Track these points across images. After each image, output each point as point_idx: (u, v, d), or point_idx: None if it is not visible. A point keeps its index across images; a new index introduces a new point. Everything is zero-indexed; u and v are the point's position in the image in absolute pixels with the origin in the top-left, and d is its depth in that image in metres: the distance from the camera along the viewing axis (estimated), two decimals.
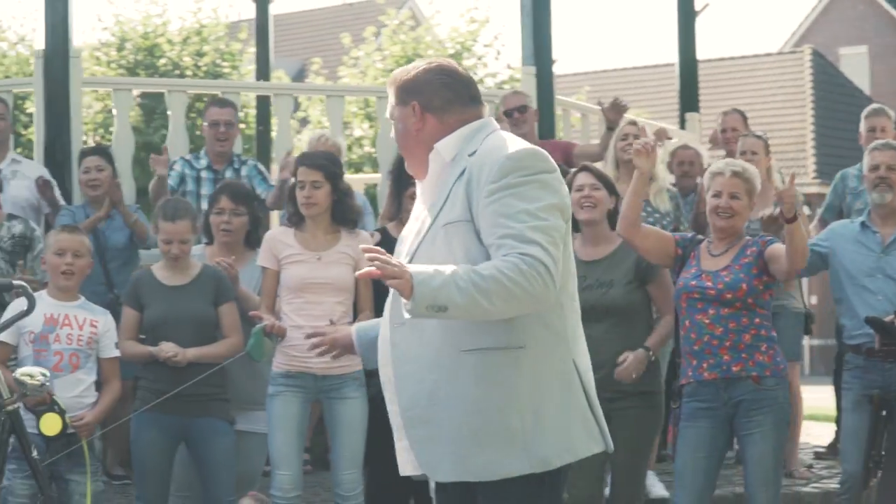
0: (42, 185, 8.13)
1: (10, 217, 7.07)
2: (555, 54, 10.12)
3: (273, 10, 13.42)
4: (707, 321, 5.95)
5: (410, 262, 3.79)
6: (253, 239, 6.93)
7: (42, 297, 6.14)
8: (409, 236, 3.99)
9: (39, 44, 9.32)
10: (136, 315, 6.50)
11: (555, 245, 3.69)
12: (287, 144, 9.53)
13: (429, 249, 3.83)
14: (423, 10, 29.92)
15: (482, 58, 22.62)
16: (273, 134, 11.56)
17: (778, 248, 6.00)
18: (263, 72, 13.97)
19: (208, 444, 6.39)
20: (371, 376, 6.23)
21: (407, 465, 3.93)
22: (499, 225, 3.70)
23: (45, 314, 6.06)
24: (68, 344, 6.11)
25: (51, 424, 5.69)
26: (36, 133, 9.07)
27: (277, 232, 6.66)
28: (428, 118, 3.94)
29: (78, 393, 6.11)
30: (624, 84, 32.31)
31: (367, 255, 3.59)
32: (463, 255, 3.75)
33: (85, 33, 25.79)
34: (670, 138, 9.95)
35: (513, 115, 8.74)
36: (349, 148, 19.53)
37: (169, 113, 9.65)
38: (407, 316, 3.63)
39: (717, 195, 6.09)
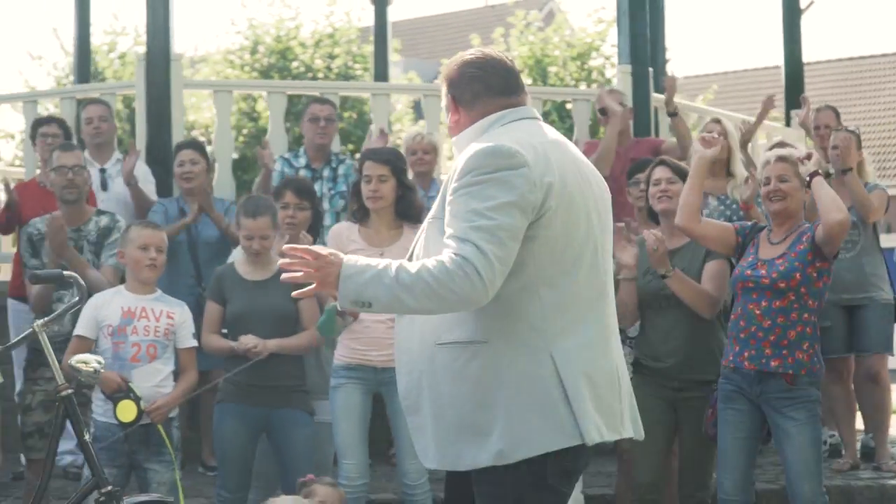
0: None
1: (99, 212, 7.34)
2: (672, 54, 10.19)
3: (410, 13, 13.68)
4: (758, 312, 6.02)
5: (410, 256, 3.94)
6: (313, 232, 7.12)
7: (120, 291, 6.40)
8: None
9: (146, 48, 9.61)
10: (219, 309, 6.69)
11: (498, 244, 3.69)
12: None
13: (419, 244, 3.98)
14: (563, 10, 29.98)
15: (610, 58, 22.53)
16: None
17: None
18: (382, 73, 14.25)
19: (289, 435, 6.53)
20: None
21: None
22: (448, 224, 3.78)
23: (122, 307, 6.26)
24: (145, 335, 6.25)
25: (126, 411, 5.93)
26: (138, 134, 9.38)
27: (343, 227, 6.83)
28: (461, 111, 4.05)
29: (156, 382, 6.24)
30: (753, 84, 31.99)
31: (286, 255, 3.70)
32: (433, 251, 3.84)
33: (219, 37, 26.32)
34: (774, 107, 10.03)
35: (606, 113, 9.05)
36: None
37: (268, 114, 9.92)
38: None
39: (767, 181, 6.19)
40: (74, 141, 8.54)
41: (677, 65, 66.98)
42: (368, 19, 17.62)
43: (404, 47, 27.30)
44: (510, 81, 4.06)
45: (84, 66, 12.79)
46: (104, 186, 8.50)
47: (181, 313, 6.46)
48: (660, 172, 6.64)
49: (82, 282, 5.57)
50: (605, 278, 4.04)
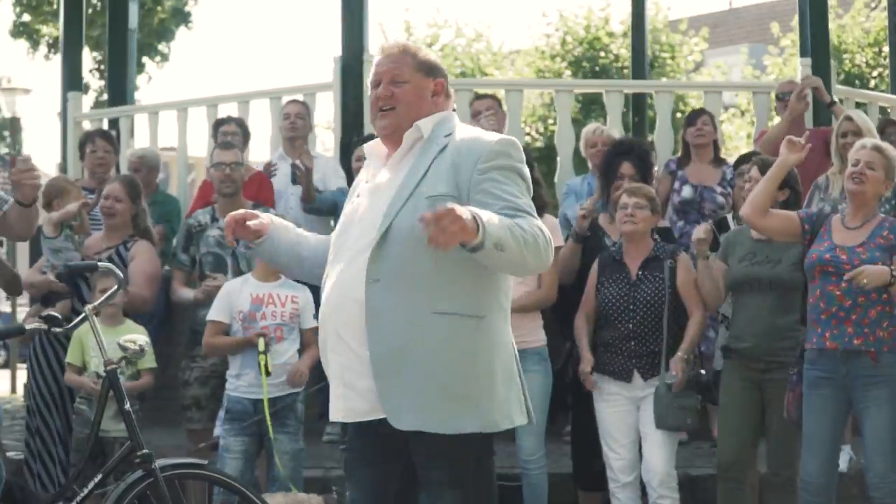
0: (298, 171, 8.75)
1: (255, 205, 7.85)
2: None
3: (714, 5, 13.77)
4: (838, 293, 6.07)
5: (389, 226, 4.11)
6: None
7: (248, 279, 6.88)
8: (378, 198, 4.20)
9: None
10: None
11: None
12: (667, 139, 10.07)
13: (409, 217, 4.04)
14: None
15: None
16: None
17: None
18: (640, 69, 14.41)
19: None
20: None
21: (340, 411, 4.21)
22: (509, 196, 4.06)
23: (251, 294, 6.74)
24: (273, 320, 6.71)
25: (264, 364, 6.48)
26: (334, 133, 9.93)
27: None
28: (443, 99, 4.33)
29: (285, 360, 6.70)
30: None
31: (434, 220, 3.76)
32: None
33: (531, 28, 26.90)
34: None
35: (783, 99, 9.29)
36: None
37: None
38: (473, 251, 3.83)
39: (856, 163, 6.24)
40: (251, 140, 9.19)
41: None
42: (678, 10, 17.74)
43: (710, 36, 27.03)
44: None
45: None
46: (294, 180, 9.05)
47: (304, 297, 6.85)
48: (753, 171, 6.82)
49: (119, 273, 6.14)
50: None
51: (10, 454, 8.11)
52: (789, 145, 6.32)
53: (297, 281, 6.40)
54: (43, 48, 21.46)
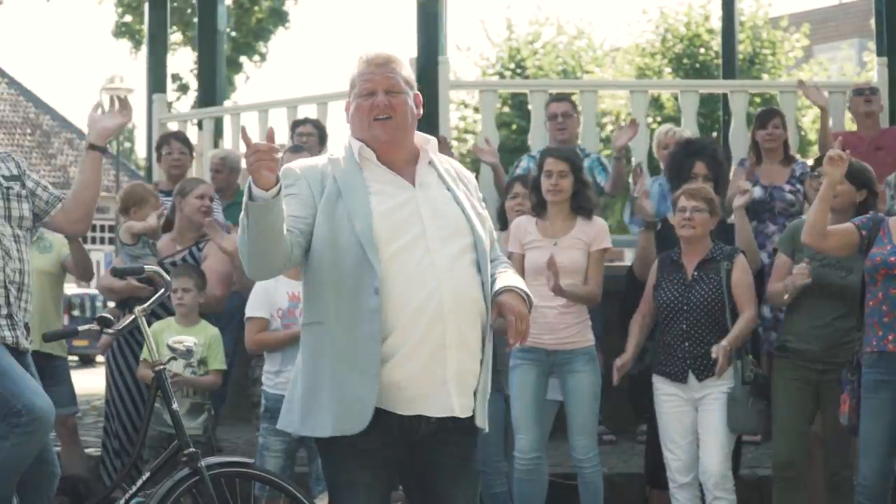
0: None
1: None
2: None
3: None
4: None
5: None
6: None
7: (279, 278, 6.70)
8: (434, 204, 4.36)
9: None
10: None
11: None
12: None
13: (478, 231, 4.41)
14: None
15: None
16: None
17: None
18: (730, 68, 14.28)
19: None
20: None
21: (453, 408, 4.30)
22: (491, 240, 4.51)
23: (288, 293, 6.82)
24: None
25: None
26: None
27: (523, 220, 7.22)
28: (418, 111, 4.45)
29: None
30: None
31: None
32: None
33: (631, 25, 26.87)
34: None
35: (863, 94, 9.26)
36: None
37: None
38: None
39: None
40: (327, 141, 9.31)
41: None
42: (782, 7, 17.59)
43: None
44: None
45: None
46: None
47: None
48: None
49: (166, 276, 6.27)
50: None
51: (88, 450, 8.33)
52: (831, 162, 6.24)
53: None
54: (145, 48, 21.83)
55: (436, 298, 4.19)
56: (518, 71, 25.71)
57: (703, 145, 7.66)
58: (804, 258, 6.57)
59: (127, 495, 5.64)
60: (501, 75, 25.82)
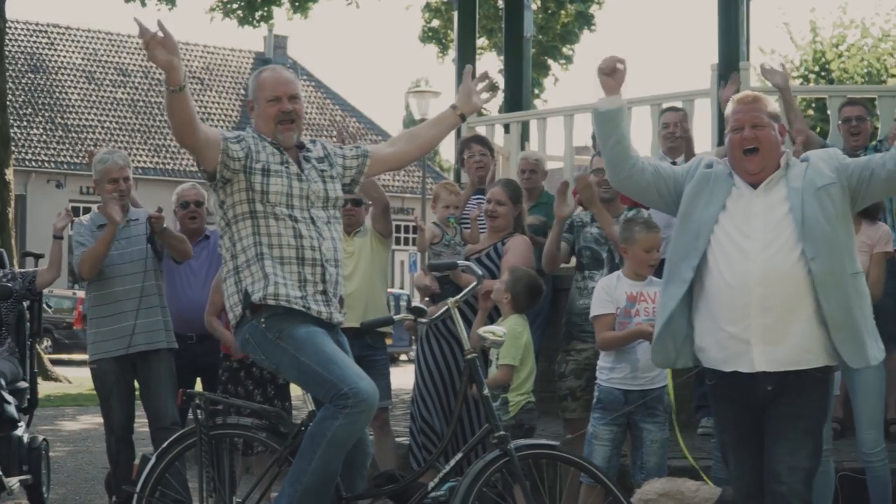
0: None
1: None
2: None
3: None
4: None
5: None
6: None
7: (620, 277, 7.12)
8: (767, 207, 5.32)
9: None
10: None
11: None
12: None
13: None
14: None
15: None
16: None
17: None
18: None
19: None
20: None
21: (764, 363, 5.24)
22: None
23: (626, 293, 7.00)
24: (646, 315, 6.92)
25: None
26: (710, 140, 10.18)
27: None
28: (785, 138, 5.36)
29: None
30: None
31: None
32: None
33: None
34: None
35: None
36: None
37: None
38: None
39: None
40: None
41: None
42: None
43: None
44: None
45: None
46: None
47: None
48: None
49: (477, 270, 6.58)
50: None
51: (398, 439, 8.84)
52: None
53: None
54: (452, 52, 22.51)
55: (749, 275, 5.24)
56: (823, 74, 25.31)
57: None
58: None
59: (441, 474, 5.98)
60: (806, 78, 25.47)
